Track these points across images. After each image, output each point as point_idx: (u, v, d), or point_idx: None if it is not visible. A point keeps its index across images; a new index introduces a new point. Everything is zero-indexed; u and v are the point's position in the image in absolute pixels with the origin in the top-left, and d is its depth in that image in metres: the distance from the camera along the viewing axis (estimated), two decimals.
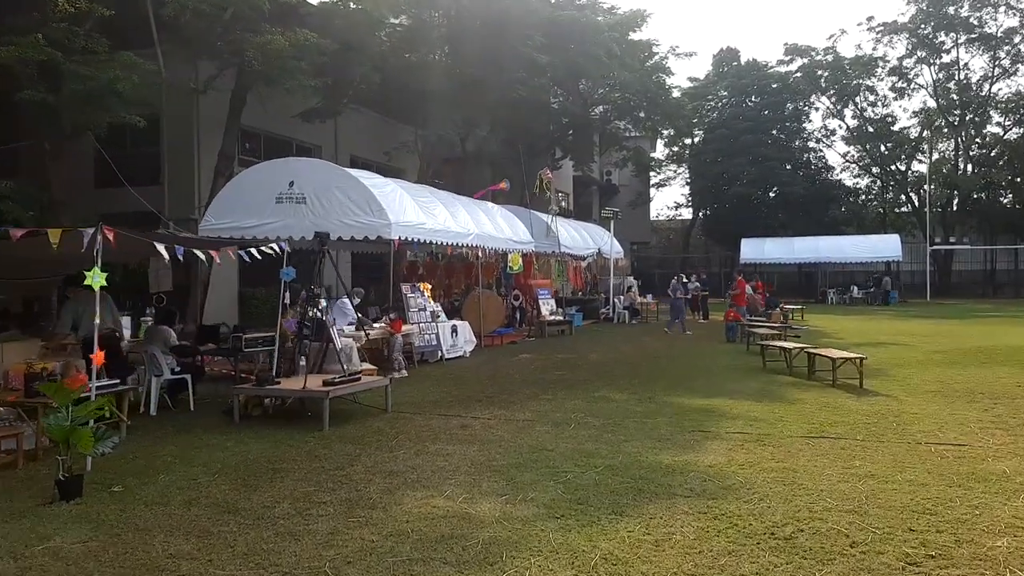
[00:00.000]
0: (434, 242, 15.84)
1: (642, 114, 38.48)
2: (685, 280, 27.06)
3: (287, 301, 10.47)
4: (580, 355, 16.01)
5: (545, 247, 23.61)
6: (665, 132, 46.50)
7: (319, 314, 10.59)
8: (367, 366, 11.82)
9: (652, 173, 53.29)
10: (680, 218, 58.11)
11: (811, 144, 52.56)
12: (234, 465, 7.09)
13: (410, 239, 14.88)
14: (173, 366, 9.72)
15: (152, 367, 9.61)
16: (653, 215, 59.00)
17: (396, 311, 13.25)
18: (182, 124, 22.53)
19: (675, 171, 55.24)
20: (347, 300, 13.80)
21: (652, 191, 55.88)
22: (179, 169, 22.41)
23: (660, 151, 54.77)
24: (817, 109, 51.97)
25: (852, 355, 11.93)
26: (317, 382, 8.90)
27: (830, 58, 48.64)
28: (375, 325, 13.37)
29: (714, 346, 17.93)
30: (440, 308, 16.06)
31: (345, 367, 10.28)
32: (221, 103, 20.53)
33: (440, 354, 14.84)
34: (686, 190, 56.46)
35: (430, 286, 15.29)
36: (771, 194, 49.75)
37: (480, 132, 28.00)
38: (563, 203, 44.63)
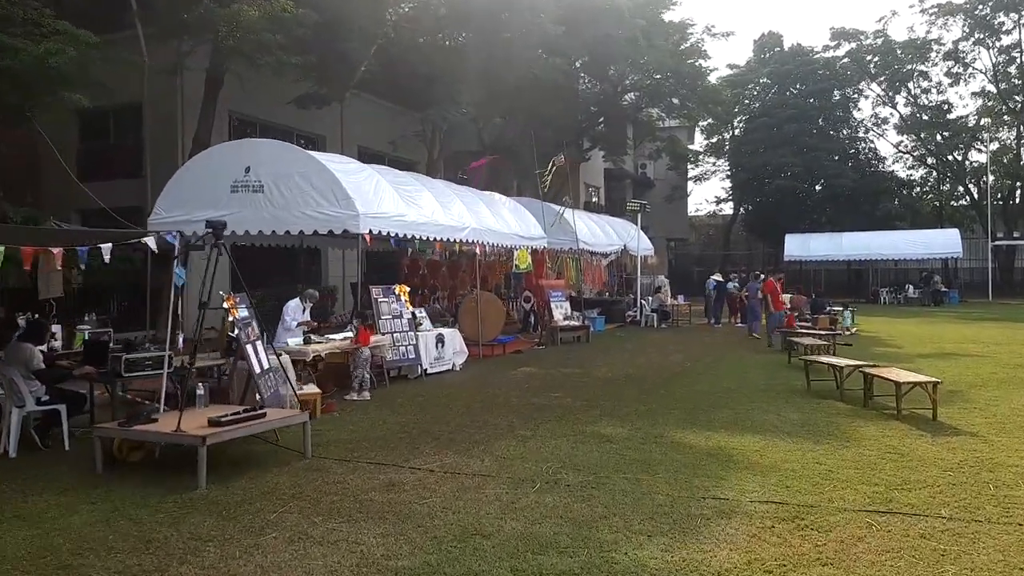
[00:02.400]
0: (418, 237, 13.58)
1: (676, 100, 35.76)
2: (720, 279, 24.52)
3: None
4: (587, 370, 13.61)
5: (561, 243, 21.22)
6: (702, 122, 43.67)
7: (241, 327, 8.41)
8: (309, 390, 9.62)
9: (690, 166, 50.38)
10: (721, 213, 55.09)
11: (860, 134, 49.24)
12: (19, 555, 4.90)
13: (385, 233, 12.64)
14: (39, 394, 7.60)
15: (13, 396, 7.52)
16: (691, 210, 56.12)
17: (362, 318, 11.01)
18: (165, 112, 20.72)
19: (714, 163, 52.25)
20: (295, 306, 11.64)
21: (690, 185, 52.98)
22: (162, 160, 20.44)
23: (699, 143, 51.90)
24: (867, 97, 48.66)
25: (923, 378, 9.35)
26: (199, 421, 6.70)
27: (880, 42, 45.28)
28: (334, 337, 11.15)
29: (750, 357, 15.37)
30: (424, 314, 13.79)
31: (263, 395, 8.08)
32: (248, 93, 18.72)
33: (420, 369, 12.57)
34: (727, 183, 53.47)
35: (408, 288, 13.02)
36: (817, 187, 46.56)
37: (496, 119, 25.72)
38: (594, 197, 42.22)
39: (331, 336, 11.21)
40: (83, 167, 22.77)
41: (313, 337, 10.86)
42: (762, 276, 19.57)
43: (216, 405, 7.77)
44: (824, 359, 11.33)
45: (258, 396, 8.12)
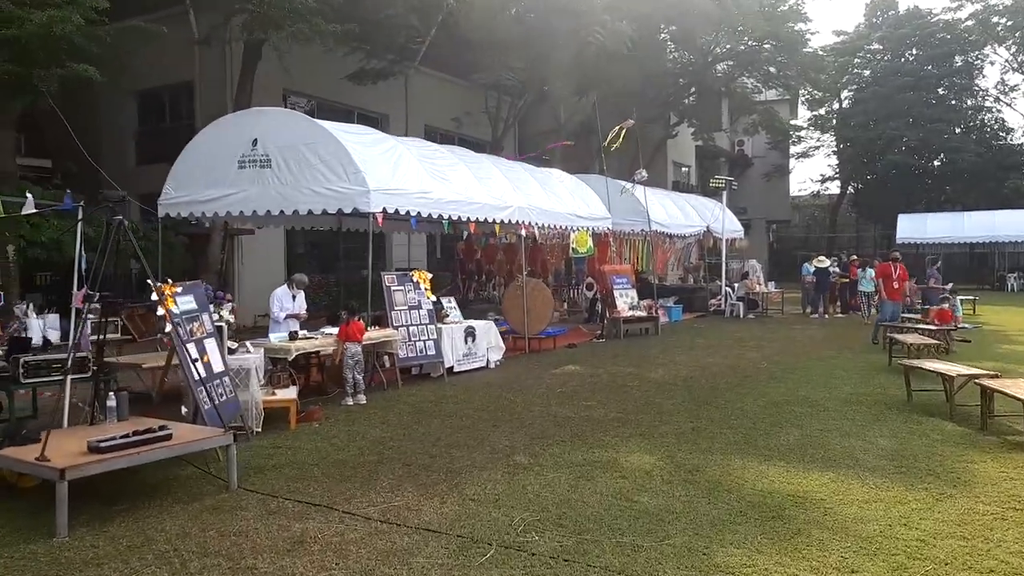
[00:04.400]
0: (446, 217, 11.93)
1: (773, 69, 32.70)
2: (823, 264, 21.84)
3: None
4: (641, 371, 11.64)
5: (630, 224, 19.13)
6: (804, 93, 40.14)
7: (182, 323, 6.98)
8: (285, 394, 8.13)
9: (792, 141, 46.69)
10: (826, 192, 51.02)
11: (985, 103, 44.26)
12: None
13: (404, 212, 11.05)
14: None
15: None
16: (794, 190, 52.26)
17: (349, 310, 9.45)
18: (216, 90, 19.89)
19: (818, 139, 48.26)
20: (282, 294, 10.20)
21: (792, 162, 49.18)
22: None
23: (802, 118, 48.07)
24: (993, 63, 43.83)
25: None
26: (74, 446, 5.27)
27: (1010, 1, 40.35)
28: (331, 331, 9.64)
29: (843, 357, 13.01)
30: (453, 304, 12.14)
31: (202, 407, 6.61)
32: (264, 65, 17.64)
33: (442, 368, 10.95)
34: (833, 160, 49.41)
35: (429, 275, 11.38)
36: (936, 162, 42.19)
37: (572, 96, 23.78)
38: (685, 176, 39.54)
39: (328, 330, 9.70)
40: (141, 149, 22.37)
41: (301, 332, 9.39)
42: (854, 259, 16.90)
43: (138, 419, 6.37)
44: (929, 364, 8.99)
45: (202, 406, 6.66)
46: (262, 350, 8.67)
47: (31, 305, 10.33)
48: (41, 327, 9.50)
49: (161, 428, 5.53)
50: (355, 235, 17.64)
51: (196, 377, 6.80)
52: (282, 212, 11.22)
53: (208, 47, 18.36)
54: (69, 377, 6.11)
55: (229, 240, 19.53)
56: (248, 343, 8.46)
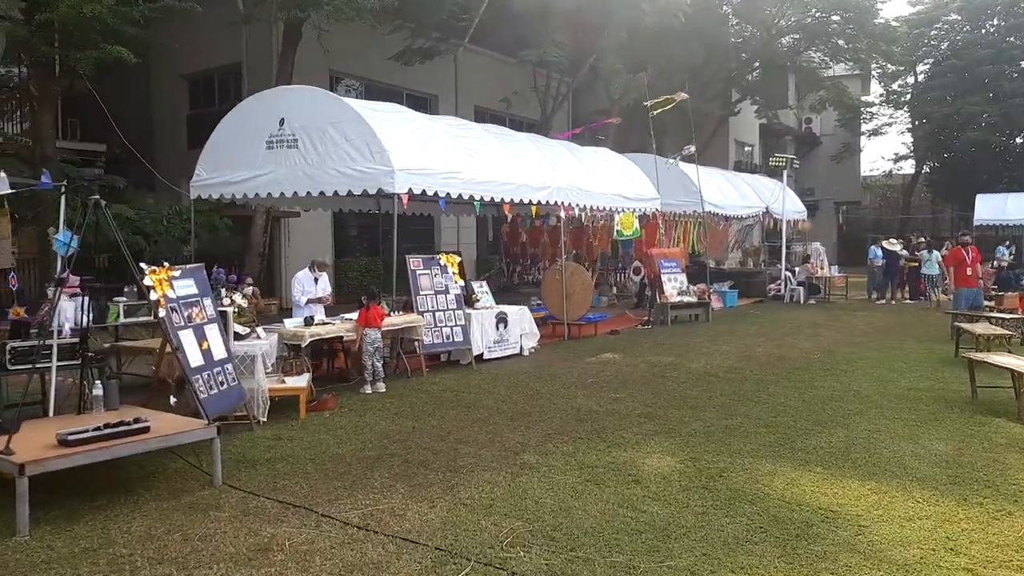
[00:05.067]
0: (477, 197, 11.43)
1: (842, 41, 31.06)
2: (893, 247, 20.64)
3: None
4: (682, 360, 10.99)
5: (681, 204, 18.32)
6: (876, 67, 38.13)
7: (179, 308, 6.69)
8: (295, 383, 7.80)
9: (863, 119, 44.55)
10: (899, 172, 48.62)
11: None
12: None
13: (432, 193, 10.61)
14: None
15: None
16: (865, 170, 50.01)
17: (369, 295, 9.06)
18: (263, 72, 19.78)
19: (891, 115, 45.89)
20: (303, 277, 9.87)
21: (863, 141, 46.96)
22: None
23: (874, 94, 45.81)
24: None
25: None
26: (47, 437, 4.99)
27: None
28: (350, 317, 9.27)
29: (906, 347, 12.08)
30: (485, 290, 11.67)
31: (198, 396, 6.30)
32: (313, 47, 17.42)
33: (471, 355, 10.50)
34: (907, 138, 47.01)
35: (458, 259, 10.92)
36: (1019, 139, 39.63)
37: (613, 67, 22.96)
38: (748, 155, 38.14)
39: (348, 316, 9.33)
40: (192, 132, 22.49)
41: (319, 317, 9.05)
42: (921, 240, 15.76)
43: (129, 408, 6.10)
44: (997, 358, 8.11)
45: (196, 395, 6.35)
46: (275, 336, 8.37)
47: (60, 289, 10.28)
48: (73, 311, 9.42)
49: (136, 421, 5.21)
50: (405, 217, 17.35)
51: (195, 364, 6.50)
52: (308, 193, 10.90)
53: (255, 28, 18.26)
54: (55, 364, 5.86)
55: (274, 222, 19.53)
56: (260, 329, 8.16)
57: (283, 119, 11.06)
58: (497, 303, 13.74)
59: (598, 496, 5.18)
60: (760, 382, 9.27)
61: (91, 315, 5.84)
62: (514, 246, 18.71)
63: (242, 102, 12.05)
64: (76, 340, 6.26)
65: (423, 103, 23.72)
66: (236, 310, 8.28)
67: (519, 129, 18.69)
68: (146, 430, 5.22)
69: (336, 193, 10.64)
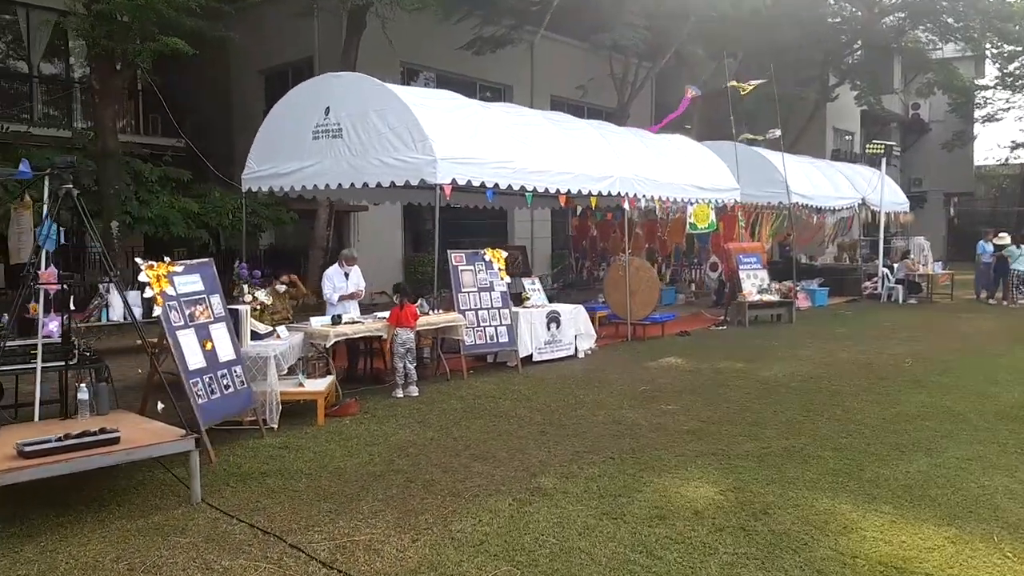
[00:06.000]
0: (529, 188, 10.71)
1: (951, 19, 28.64)
2: (1000, 241, 18.78)
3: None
4: (752, 366, 9.97)
5: (765, 196, 17.06)
6: (990, 47, 35.11)
7: (181, 307, 6.27)
8: (311, 387, 7.30)
9: (976, 104, 41.29)
10: (1018, 161, 44.93)
11: None
12: None
13: (478, 183, 9.96)
14: None
15: None
16: (979, 159, 46.42)
17: (402, 293, 8.47)
18: (335, 65, 19.63)
19: (1009, 100, 42.35)
20: (333, 273, 9.37)
21: (977, 128, 43.56)
22: None
23: (989, 76, 42.37)
24: None
25: None
26: (4, 448, 4.60)
27: None
28: (382, 315, 8.71)
29: (1014, 354, 10.67)
30: (536, 287, 10.93)
31: (196, 400, 5.85)
32: (384, 38, 17.12)
33: (517, 357, 9.80)
34: None
35: (504, 254, 10.22)
36: None
37: (695, 51, 21.76)
38: (847, 144, 35.88)
39: (380, 315, 8.78)
40: None
41: (350, 315, 8.54)
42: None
43: (120, 414, 5.70)
44: None
45: (193, 400, 5.91)
46: (300, 335, 7.91)
47: (113, 284, 10.19)
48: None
49: (103, 431, 4.76)
50: (477, 211, 16.82)
51: (194, 366, 6.07)
52: (352, 185, 10.44)
53: (326, 22, 18.10)
54: (40, 365, 5.51)
55: (342, 216, 19.35)
56: (282, 328, 7.71)
57: (328, 108, 10.66)
58: (564, 300, 13.06)
59: (610, 535, 4.41)
60: (836, 394, 8.21)
61: (70, 311, 5.41)
62: (583, 240, 17.86)
63: (290, 91, 11.71)
64: (68, 339, 5.89)
65: (498, 93, 23.16)
66: (259, 307, 7.87)
67: (598, 118, 17.86)
68: (114, 441, 4.77)
69: (379, 184, 10.13)
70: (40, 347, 5.50)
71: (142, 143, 17.45)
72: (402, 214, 20.78)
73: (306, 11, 17.09)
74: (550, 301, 14.16)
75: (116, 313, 8.73)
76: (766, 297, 14.76)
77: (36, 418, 5.56)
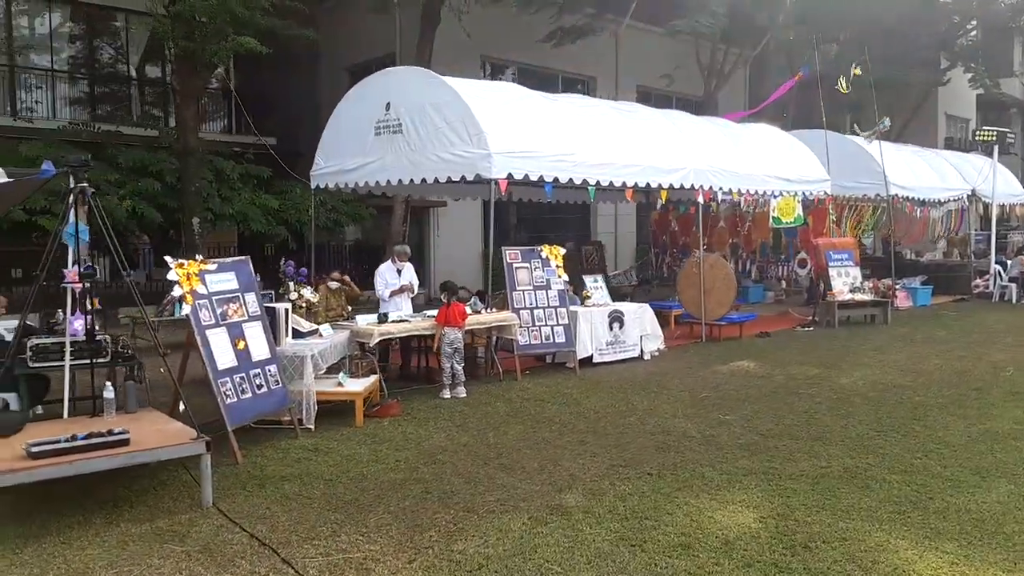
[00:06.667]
0: (592, 182, 10.26)
1: None
2: None
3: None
4: (832, 372, 9.24)
5: (861, 188, 15.97)
6: None
7: (211, 306, 6.22)
8: (350, 387, 7.15)
9: None
10: None
11: None
12: None
13: (536, 177, 9.62)
14: None
15: None
16: None
17: (449, 291, 8.20)
18: (417, 62, 19.67)
19: None
20: (386, 269, 9.19)
21: None
22: None
23: None
24: None
25: None
26: (19, 446, 4.60)
27: None
28: (431, 313, 8.48)
29: None
30: (599, 284, 10.47)
31: (224, 400, 5.77)
32: (461, 31, 17.05)
33: (574, 358, 9.40)
34: None
35: (563, 251, 9.81)
36: None
37: (790, 36, 20.62)
38: (979, 130, 33.42)
39: (429, 313, 8.55)
40: None
41: (400, 313, 8.35)
42: None
43: (147, 413, 5.68)
44: None
45: (220, 400, 5.84)
46: (345, 333, 7.78)
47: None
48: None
49: (109, 432, 4.70)
50: (562, 207, 16.49)
51: (222, 366, 5.99)
52: (412, 181, 10.28)
53: (408, 18, 18.11)
54: (68, 363, 5.54)
55: (421, 211, 19.34)
56: (325, 326, 7.60)
57: (389, 103, 10.55)
58: (639, 297, 12.57)
59: (622, 566, 4.00)
60: (919, 407, 7.45)
61: (91, 309, 5.39)
62: (663, 235, 17.21)
63: (353, 87, 11.68)
64: (103, 337, 5.92)
65: (581, 85, 22.65)
66: (304, 304, 7.79)
67: (687, 109, 17.17)
68: (123, 443, 4.71)
69: (436, 180, 9.93)
70: (68, 345, 5.51)
71: (233, 142, 17.92)
72: (482, 209, 20.62)
73: (380, 7, 17.10)
74: (625, 298, 13.77)
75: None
76: (858, 296, 13.79)
77: (65, 415, 5.59)
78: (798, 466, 5.64)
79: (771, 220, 13.46)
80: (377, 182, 10.87)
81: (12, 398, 6.04)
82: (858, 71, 15.21)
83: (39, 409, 6.32)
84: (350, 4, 20.11)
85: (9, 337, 6.22)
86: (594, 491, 5.13)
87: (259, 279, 7.28)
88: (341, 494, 5.14)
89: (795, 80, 16.89)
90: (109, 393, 5.45)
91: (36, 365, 5.72)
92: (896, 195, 16.09)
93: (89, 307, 5.26)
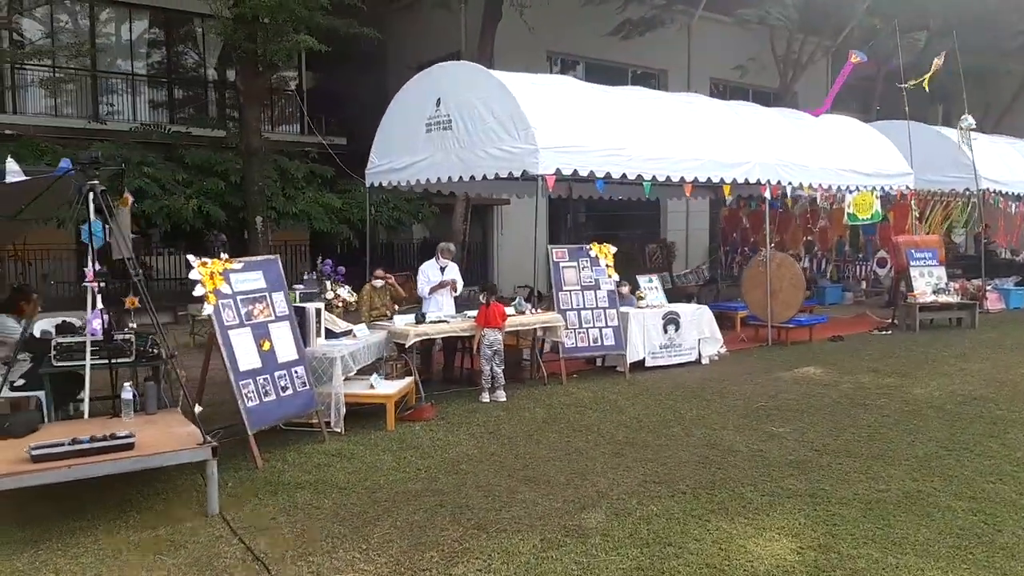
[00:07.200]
0: (647, 177, 9.79)
1: None
2: None
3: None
4: (906, 381, 8.53)
5: (949, 182, 14.90)
6: None
7: (235, 304, 6.10)
8: (381, 389, 6.94)
9: None
10: None
11: None
12: None
13: (586, 173, 9.23)
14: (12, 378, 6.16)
15: None
16: None
17: (488, 292, 7.88)
18: (482, 61, 19.50)
19: None
20: (429, 266, 8.93)
21: None
22: None
23: None
24: None
25: None
26: (18, 451, 4.53)
27: None
28: (471, 314, 8.19)
29: None
30: (654, 284, 9.97)
31: (245, 403, 5.64)
32: (522, 30, 16.78)
33: (625, 362, 8.97)
34: None
35: (613, 249, 9.36)
36: None
37: (875, 24, 19.50)
38: None
39: (469, 313, 8.26)
40: None
41: (432, 314, 8.10)
42: None
43: (167, 414, 5.59)
44: None
45: (241, 402, 5.71)
46: (382, 334, 7.58)
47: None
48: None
49: (114, 436, 4.59)
50: (631, 204, 16.01)
51: (245, 367, 5.86)
52: (460, 178, 10.04)
53: (473, 15, 17.94)
54: (89, 362, 5.49)
55: (484, 209, 19.12)
56: (360, 326, 7.42)
57: (439, 99, 10.35)
58: (703, 297, 12.04)
59: None
60: (998, 422, 6.75)
61: (107, 309, 5.33)
62: (733, 232, 16.51)
63: (405, 84, 11.51)
64: (130, 336, 5.86)
65: (652, 79, 22.02)
66: (340, 305, 7.64)
67: (762, 101, 16.41)
68: (127, 447, 4.59)
69: (485, 177, 9.67)
70: (88, 345, 5.47)
71: (305, 142, 18.13)
72: (547, 207, 20.26)
73: (443, 3, 16.96)
74: (690, 298, 13.21)
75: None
76: (942, 298, 12.84)
77: (87, 415, 5.55)
78: (851, 488, 5.11)
79: (846, 216, 12.65)
80: (428, 179, 10.67)
81: (41, 396, 6.07)
82: (939, 63, 14.16)
83: (73, 408, 6.34)
84: (418, 2, 20.06)
85: (46, 337, 6.25)
86: (618, 510, 4.75)
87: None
88: (351, 505, 4.91)
89: (850, 66, 15.87)
90: (127, 394, 5.37)
91: (60, 364, 5.69)
92: (988, 189, 14.95)
93: (101, 306, 5.15)
